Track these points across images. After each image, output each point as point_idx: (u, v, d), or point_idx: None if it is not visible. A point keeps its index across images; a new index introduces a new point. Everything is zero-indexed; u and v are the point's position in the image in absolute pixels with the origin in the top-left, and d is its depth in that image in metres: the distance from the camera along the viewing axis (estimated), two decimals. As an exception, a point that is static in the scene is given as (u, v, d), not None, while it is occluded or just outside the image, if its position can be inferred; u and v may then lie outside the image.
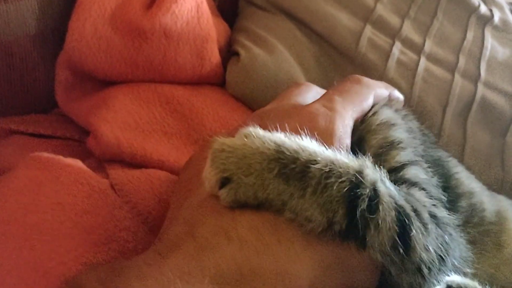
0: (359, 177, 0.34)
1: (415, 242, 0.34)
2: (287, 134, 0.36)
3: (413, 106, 0.62)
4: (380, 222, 0.33)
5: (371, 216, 0.33)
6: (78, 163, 0.45)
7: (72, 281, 0.32)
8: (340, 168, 0.34)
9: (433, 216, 0.36)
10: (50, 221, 0.40)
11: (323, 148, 0.35)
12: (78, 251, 0.39)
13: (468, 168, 0.59)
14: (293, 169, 0.33)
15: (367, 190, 0.34)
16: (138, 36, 0.55)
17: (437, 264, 0.35)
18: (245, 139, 0.35)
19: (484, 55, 0.67)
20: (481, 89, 0.64)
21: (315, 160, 0.34)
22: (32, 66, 0.55)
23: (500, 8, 0.74)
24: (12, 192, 0.42)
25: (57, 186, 0.42)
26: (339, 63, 0.65)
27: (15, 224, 0.40)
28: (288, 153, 0.34)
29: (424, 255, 0.34)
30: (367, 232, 0.33)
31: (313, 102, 0.42)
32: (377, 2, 0.69)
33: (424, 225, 0.35)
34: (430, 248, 0.34)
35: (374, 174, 0.35)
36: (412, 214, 0.35)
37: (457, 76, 0.65)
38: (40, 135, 0.53)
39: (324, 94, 0.44)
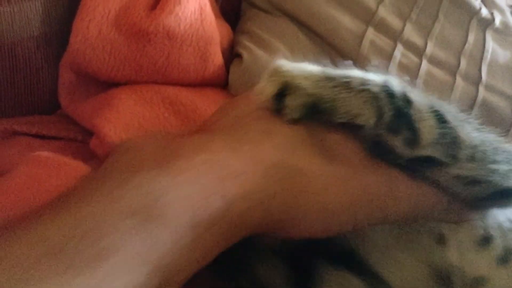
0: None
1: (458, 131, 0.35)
2: None
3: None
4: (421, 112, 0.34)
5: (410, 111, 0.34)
6: (78, 162, 0.45)
7: (126, 142, 0.32)
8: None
9: None
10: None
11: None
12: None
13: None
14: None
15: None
16: (141, 38, 0.55)
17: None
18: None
19: (485, 58, 0.68)
20: (482, 92, 0.64)
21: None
22: (36, 67, 0.55)
23: (501, 11, 0.75)
24: (12, 189, 0.42)
25: (58, 181, 0.42)
26: (341, 65, 0.65)
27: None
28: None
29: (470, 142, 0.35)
30: (414, 120, 0.34)
31: None
32: (379, 4, 0.69)
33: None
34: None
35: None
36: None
37: (458, 79, 0.65)
38: (43, 136, 0.53)
39: None
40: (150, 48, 0.55)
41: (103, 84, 0.56)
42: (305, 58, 0.64)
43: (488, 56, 0.68)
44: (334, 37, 0.66)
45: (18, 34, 0.53)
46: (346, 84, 0.35)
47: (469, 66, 0.66)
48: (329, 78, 0.36)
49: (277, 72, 0.35)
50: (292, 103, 0.34)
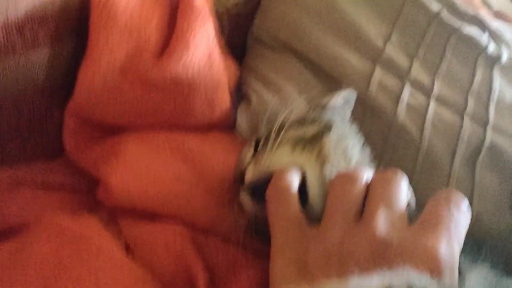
0: None
1: None
2: None
3: (423, 153, 0.62)
4: None
5: None
6: (98, 233, 0.45)
7: None
8: None
9: None
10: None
11: None
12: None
13: (479, 214, 0.59)
14: None
15: None
16: (148, 87, 0.54)
17: None
18: None
19: (492, 98, 0.67)
20: (490, 134, 0.64)
21: None
22: (40, 116, 0.54)
23: (509, 46, 0.74)
24: (32, 265, 0.41)
25: (78, 261, 0.41)
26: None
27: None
28: None
29: None
30: None
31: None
32: (386, 42, 0.69)
33: None
34: None
35: None
36: None
37: (466, 120, 0.65)
38: (48, 185, 0.53)
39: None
40: (156, 96, 0.55)
41: (108, 130, 0.56)
42: (313, 98, 0.64)
43: (495, 95, 0.68)
44: (342, 77, 0.65)
45: (23, 84, 0.52)
46: None
47: (476, 106, 0.66)
48: None
49: None
50: None
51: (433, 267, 0.37)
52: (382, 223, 0.41)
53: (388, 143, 0.63)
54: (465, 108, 0.66)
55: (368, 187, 0.45)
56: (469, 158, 0.63)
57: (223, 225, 0.51)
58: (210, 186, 0.53)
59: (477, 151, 0.63)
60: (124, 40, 0.53)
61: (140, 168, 0.52)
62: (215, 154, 0.56)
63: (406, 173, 0.60)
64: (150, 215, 0.51)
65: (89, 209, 0.49)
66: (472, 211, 0.60)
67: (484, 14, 0.90)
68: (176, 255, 0.47)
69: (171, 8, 0.57)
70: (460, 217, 0.43)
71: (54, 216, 0.45)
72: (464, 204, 0.45)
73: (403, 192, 0.45)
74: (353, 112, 0.64)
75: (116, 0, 0.54)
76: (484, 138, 0.64)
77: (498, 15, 0.97)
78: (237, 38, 0.71)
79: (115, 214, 0.51)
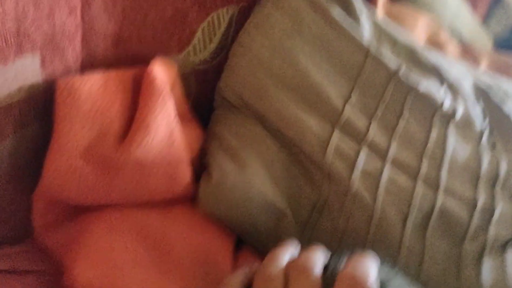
0: None
1: None
2: None
3: (376, 220, 0.65)
4: None
5: None
6: None
7: None
8: None
9: None
10: None
11: None
12: None
13: (427, 279, 0.63)
14: None
15: None
16: (111, 169, 0.57)
17: None
18: None
19: (446, 159, 0.70)
20: (441, 197, 0.67)
21: None
22: (8, 200, 0.57)
23: (464, 100, 0.76)
24: None
25: None
26: (309, 170, 0.68)
27: None
28: None
29: None
30: None
31: None
32: (346, 102, 0.71)
33: None
34: None
35: None
36: None
37: (419, 183, 0.67)
38: (15, 271, 0.56)
39: None
40: (119, 177, 0.57)
41: (76, 210, 0.59)
42: (273, 167, 0.67)
43: (448, 155, 0.70)
44: (302, 142, 0.68)
45: (-13, 174, 0.54)
46: None
47: (430, 169, 0.68)
48: None
49: None
50: None
51: None
52: None
53: (344, 210, 0.66)
54: (418, 171, 0.68)
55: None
56: (421, 223, 0.66)
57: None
58: (166, 268, 0.56)
59: (428, 215, 0.66)
60: (87, 126, 0.56)
61: (102, 254, 0.55)
62: (175, 232, 0.59)
63: (358, 242, 0.64)
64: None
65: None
66: (420, 277, 0.64)
67: (449, 55, 0.93)
68: None
69: (133, 88, 0.59)
70: None
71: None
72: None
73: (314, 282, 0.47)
74: (312, 179, 0.67)
75: (80, 85, 0.55)
76: (435, 201, 0.67)
77: (465, 51, 0.99)
78: (206, 94, 0.73)
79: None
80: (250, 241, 0.65)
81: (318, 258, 0.49)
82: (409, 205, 0.66)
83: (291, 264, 0.48)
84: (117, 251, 0.56)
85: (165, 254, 0.57)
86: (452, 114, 0.73)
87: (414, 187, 0.67)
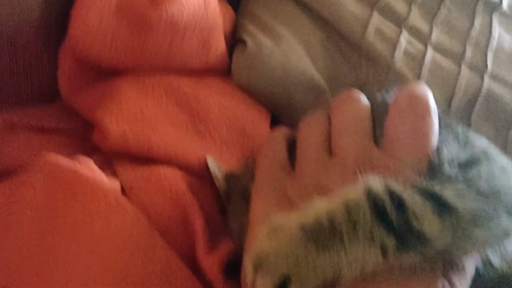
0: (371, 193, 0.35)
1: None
2: None
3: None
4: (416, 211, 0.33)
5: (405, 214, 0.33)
6: (94, 174, 0.45)
7: None
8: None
9: None
10: (65, 246, 0.40)
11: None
12: (95, 278, 0.39)
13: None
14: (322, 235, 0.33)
15: (385, 198, 0.34)
16: (144, 26, 0.53)
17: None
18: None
19: (491, 46, 0.67)
20: (487, 82, 0.64)
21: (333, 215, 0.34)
22: (35, 56, 0.53)
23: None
24: (28, 208, 0.42)
25: (74, 204, 0.42)
26: (346, 51, 0.64)
27: (30, 247, 0.40)
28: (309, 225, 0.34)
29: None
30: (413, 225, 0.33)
31: None
32: (383, -14, 0.67)
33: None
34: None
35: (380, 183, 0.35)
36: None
37: (463, 68, 0.64)
38: (43, 129, 0.52)
39: None
40: (152, 36, 0.54)
41: (103, 72, 0.55)
42: (310, 44, 0.63)
43: (494, 43, 0.67)
44: (339, 23, 0.64)
45: (17, 23, 0.51)
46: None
47: (474, 54, 0.65)
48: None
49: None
50: None
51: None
52: (349, 151, 0.41)
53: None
54: (463, 57, 0.65)
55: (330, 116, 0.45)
56: (466, 106, 0.63)
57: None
58: (203, 130, 0.53)
59: (473, 99, 0.63)
60: (120, -23, 0.52)
61: (135, 112, 0.51)
62: (209, 99, 0.56)
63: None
64: (145, 160, 0.50)
65: (85, 154, 0.49)
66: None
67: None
68: (172, 199, 0.48)
69: None
70: (427, 125, 0.42)
71: (50, 156, 0.45)
72: (430, 106, 0.43)
73: (361, 108, 0.44)
74: (349, 59, 0.63)
75: None
76: (481, 86, 0.64)
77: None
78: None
79: (111, 158, 0.51)
80: (285, 119, 0.61)
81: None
82: (454, 88, 0.63)
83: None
84: (151, 109, 0.52)
85: (202, 118, 0.54)
86: (498, 2, 0.70)
87: (459, 71, 0.64)
